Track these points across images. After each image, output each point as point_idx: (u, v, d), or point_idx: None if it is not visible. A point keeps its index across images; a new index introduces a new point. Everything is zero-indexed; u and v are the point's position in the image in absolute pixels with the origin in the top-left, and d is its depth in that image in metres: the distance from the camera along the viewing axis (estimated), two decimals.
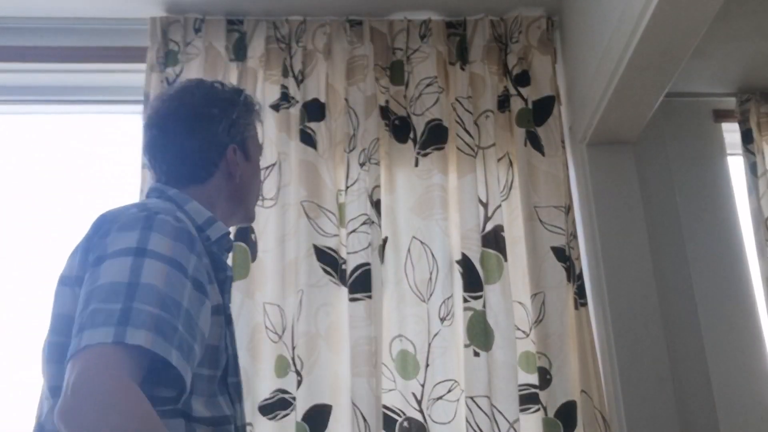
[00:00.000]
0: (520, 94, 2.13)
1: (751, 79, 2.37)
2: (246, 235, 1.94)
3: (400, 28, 2.18)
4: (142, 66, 2.11)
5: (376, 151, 2.02)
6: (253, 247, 1.94)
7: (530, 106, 2.12)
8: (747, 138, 2.37)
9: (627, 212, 2.04)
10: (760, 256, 2.26)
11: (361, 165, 2.01)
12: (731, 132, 2.41)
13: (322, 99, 2.09)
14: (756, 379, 2.11)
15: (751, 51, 2.23)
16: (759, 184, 2.33)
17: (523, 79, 2.15)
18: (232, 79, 2.10)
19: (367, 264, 1.90)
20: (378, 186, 1.99)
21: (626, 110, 1.96)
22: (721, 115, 2.41)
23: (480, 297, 1.91)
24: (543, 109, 2.13)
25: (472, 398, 1.83)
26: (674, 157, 2.29)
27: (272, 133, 2.05)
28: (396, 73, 2.15)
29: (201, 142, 1.18)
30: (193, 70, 2.09)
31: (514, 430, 1.81)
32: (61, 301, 1.01)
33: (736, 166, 2.38)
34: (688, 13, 1.60)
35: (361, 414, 1.77)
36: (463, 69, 2.14)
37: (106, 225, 0.99)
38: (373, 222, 1.95)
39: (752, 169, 2.35)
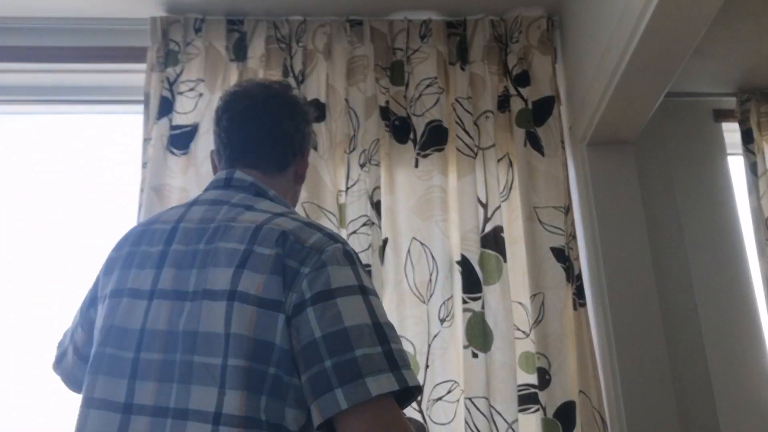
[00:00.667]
0: (520, 95, 2.12)
1: (751, 79, 2.37)
2: None
3: (400, 28, 2.18)
4: (143, 66, 2.11)
5: (376, 152, 2.02)
6: None
7: (530, 106, 2.12)
8: (747, 138, 2.37)
9: (627, 212, 2.04)
10: (760, 255, 2.26)
11: (362, 166, 2.01)
12: (731, 132, 2.41)
13: (323, 99, 2.09)
14: (756, 379, 2.11)
15: (752, 51, 2.23)
16: (759, 183, 2.33)
17: (523, 80, 2.15)
18: (233, 79, 2.10)
19: (368, 265, 1.90)
20: (378, 187, 1.99)
21: (626, 110, 1.96)
22: (722, 115, 2.41)
23: (479, 298, 1.91)
24: (543, 110, 2.13)
25: (470, 399, 1.83)
26: (674, 156, 2.29)
27: None
28: (396, 73, 2.15)
29: (295, 131, 1.21)
30: (193, 70, 2.09)
31: (513, 430, 1.81)
32: (231, 319, 0.93)
33: (736, 165, 2.38)
34: (689, 12, 1.60)
35: None
36: (463, 69, 2.14)
37: (305, 253, 0.97)
38: (373, 223, 1.95)
39: (752, 168, 2.35)
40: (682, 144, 2.32)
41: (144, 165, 2.01)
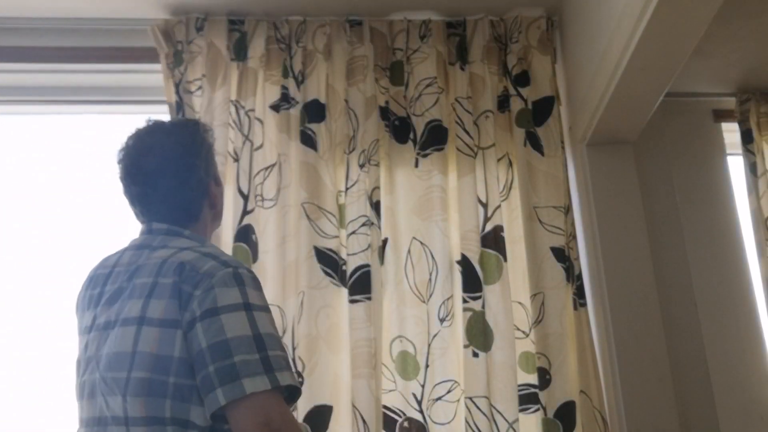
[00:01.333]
0: (519, 95, 2.13)
1: (750, 79, 2.37)
2: (247, 236, 1.94)
3: (399, 29, 2.18)
4: (145, 66, 2.12)
5: (375, 152, 2.02)
6: (253, 248, 1.94)
7: (530, 106, 2.12)
8: (747, 138, 2.37)
9: (627, 212, 2.04)
10: (759, 255, 2.26)
11: (361, 166, 2.01)
12: (731, 132, 2.41)
13: (323, 100, 2.09)
14: (756, 379, 2.11)
15: (751, 51, 2.23)
16: (759, 183, 2.33)
17: (522, 80, 2.15)
18: (233, 78, 2.10)
19: (367, 265, 1.90)
20: (377, 187, 1.99)
21: (626, 110, 1.96)
22: (721, 115, 2.41)
23: (479, 297, 1.91)
24: (543, 110, 2.13)
25: (471, 399, 1.83)
26: (674, 157, 2.29)
27: (272, 134, 2.05)
28: (396, 73, 2.15)
29: (191, 192, 1.33)
30: (197, 69, 2.09)
31: (513, 430, 1.81)
32: (139, 340, 1.13)
33: (735, 165, 2.38)
34: (688, 13, 1.60)
35: (361, 415, 1.77)
36: (462, 69, 2.14)
37: (198, 278, 1.15)
38: (372, 223, 1.95)
39: (752, 168, 2.35)
40: (682, 144, 2.32)
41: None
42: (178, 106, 2.05)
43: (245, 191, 1.97)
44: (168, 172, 1.30)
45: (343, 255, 1.94)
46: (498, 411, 1.83)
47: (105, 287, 1.24)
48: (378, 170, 2.01)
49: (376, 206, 1.97)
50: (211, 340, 1.10)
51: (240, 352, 1.09)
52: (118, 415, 1.13)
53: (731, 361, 2.11)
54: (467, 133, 2.07)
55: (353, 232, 1.94)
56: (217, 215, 1.43)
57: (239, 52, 2.13)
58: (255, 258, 1.94)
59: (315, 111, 2.07)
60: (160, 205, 1.31)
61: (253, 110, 2.06)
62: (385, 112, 2.08)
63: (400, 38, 2.17)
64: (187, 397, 1.11)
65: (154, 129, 1.36)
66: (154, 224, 1.31)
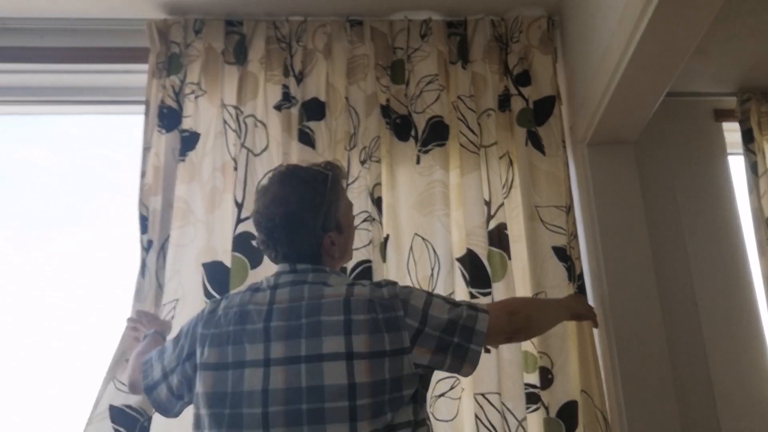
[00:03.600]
0: (521, 94, 2.13)
1: (751, 79, 2.37)
2: (245, 244, 1.93)
3: (400, 28, 2.18)
4: (143, 67, 2.11)
5: (377, 149, 2.02)
6: (248, 255, 1.94)
7: (531, 106, 2.12)
8: (747, 137, 2.37)
9: (628, 212, 2.04)
10: (760, 255, 2.26)
11: (362, 163, 2.01)
12: (732, 131, 2.40)
13: (322, 98, 2.09)
14: (757, 378, 2.11)
15: (752, 50, 2.23)
16: (760, 183, 2.33)
17: (523, 79, 2.15)
18: (233, 82, 2.09)
19: (368, 261, 1.90)
20: (379, 183, 1.99)
21: (627, 110, 1.96)
22: (722, 115, 2.40)
23: (489, 294, 1.91)
24: (544, 109, 2.13)
25: (483, 395, 1.83)
26: (675, 156, 2.29)
27: (277, 134, 2.05)
28: (397, 72, 2.15)
29: (317, 239, 1.45)
30: (195, 72, 2.08)
31: (523, 428, 1.81)
32: (354, 372, 1.28)
33: (736, 165, 2.38)
34: (689, 12, 1.60)
35: None
36: (464, 68, 2.14)
37: (390, 303, 1.36)
38: (374, 219, 1.95)
39: (753, 168, 2.35)
40: (683, 144, 2.32)
41: (143, 174, 1.99)
42: (170, 110, 2.04)
43: (239, 200, 1.96)
44: (296, 222, 1.43)
45: None
46: (508, 409, 1.83)
47: (270, 322, 1.33)
48: (379, 166, 2.01)
49: (377, 202, 1.97)
50: (438, 329, 1.36)
51: (460, 317, 1.39)
52: None
53: (732, 361, 2.11)
54: (471, 130, 2.07)
55: (355, 228, 1.93)
56: (345, 255, 1.55)
57: (239, 55, 2.12)
58: (251, 266, 1.93)
59: (314, 109, 2.07)
60: (299, 251, 1.43)
61: (252, 115, 2.06)
62: (386, 110, 2.08)
63: (401, 37, 2.18)
64: (396, 406, 1.30)
65: (285, 179, 1.47)
66: (298, 265, 1.43)
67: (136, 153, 2.07)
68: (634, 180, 2.08)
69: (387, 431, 1.29)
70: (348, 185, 1.99)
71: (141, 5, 2.13)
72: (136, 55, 2.15)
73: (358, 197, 1.97)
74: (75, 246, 2.23)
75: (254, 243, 1.89)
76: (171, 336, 1.58)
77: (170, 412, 1.47)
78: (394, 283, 1.42)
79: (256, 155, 2.03)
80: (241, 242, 1.93)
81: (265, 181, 1.53)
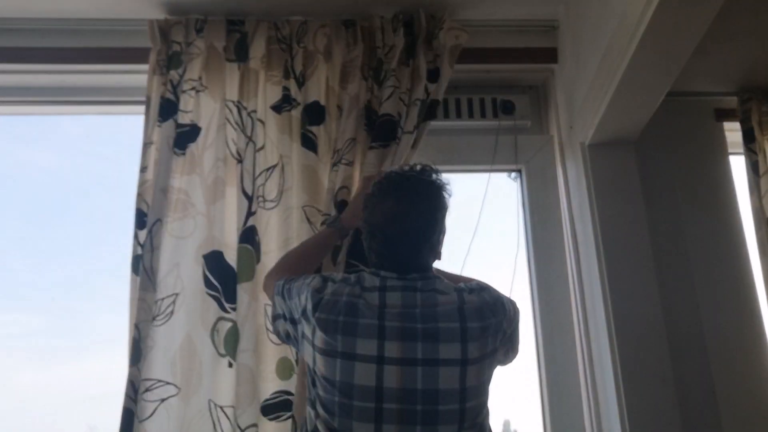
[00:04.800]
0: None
1: (752, 79, 2.36)
2: (251, 237, 1.94)
3: (378, 26, 2.14)
4: (144, 67, 2.10)
5: (349, 151, 1.97)
6: (257, 248, 1.94)
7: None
8: (748, 137, 2.37)
9: (628, 212, 2.04)
10: (761, 255, 2.25)
11: (333, 165, 1.97)
12: (733, 131, 2.40)
13: (323, 101, 2.08)
14: (758, 378, 2.11)
15: (753, 50, 2.23)
16: (760, 183, 2.33)
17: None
18: (234, 78, 2.09)
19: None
20: (344, 187, 1.93)
21: (627, 110, 1.96)
22: (723, 115, 2.40)
23: None
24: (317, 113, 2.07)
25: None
26: (676, 156, 2.29)
27: (274, 135, 2.05)
28: (378, 73, 2.10)
29: (434, 249, 1.51)
30: (195, 70, 2.08)
31: None
32: (465, 378, 1.35)
33: (737, 165, 2.37)
34: (690, 12, 1.60)
35: None
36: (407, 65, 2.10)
37: (492, 310, 1.43)
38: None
39: (754, 168, 2.35)
40: (684, 143, 2.32)
41: (143, 169, 1.99)
42: (167, 102, 2.04)
43: (249, 192, 1.97)
44: (419, 241, 1.46)
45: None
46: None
47: (384, 321, 1.36)
48: (349, 169, 1.95)
49: (339, 206, 1.91)
50: (515, 331, 1.51)
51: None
52: None
53: (733, 361, 2.11)
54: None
55: None
56: None
57: (240, 53, 2.12)
58: (258, 259, 1.93)
59: (315, 113, 2.06)
60: (417, 262, 1.47)
61: (255, 111, 2.06)
62: (368, 112, 2.04)
63: (379, 36, 2.13)
64: (486, 403, 1.42)
65: (405, 192, 1.48)
66: (408, 275, 1.45)
67: (136, 153, 2.07)
68: (634, 180, 2.08)
69: (479, 428, 1.38)
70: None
71: (142, 6, 2.14)
72: (137, 55, 2.15)
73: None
74: (77, 246, 2.23)
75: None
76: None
77: (287, 343, 1.59)
78: (487, 287, 1.49)
79: (257, 150, 2.03)
80: (248, 235, 1.93)
81: (380, 187, 1.50)
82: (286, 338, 1.55)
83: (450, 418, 1.33)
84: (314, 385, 1.42)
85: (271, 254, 1.94)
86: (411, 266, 1.45)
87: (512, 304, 1.51)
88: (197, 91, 2.07)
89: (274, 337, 1.85)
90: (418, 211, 1.45)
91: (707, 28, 1.65)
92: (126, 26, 2.19)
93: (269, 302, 1.88)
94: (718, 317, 2.13)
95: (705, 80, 2.37)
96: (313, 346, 1.39)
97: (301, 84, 2.09)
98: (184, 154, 2.01)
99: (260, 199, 1.99)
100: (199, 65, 2.09)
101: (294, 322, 1.48)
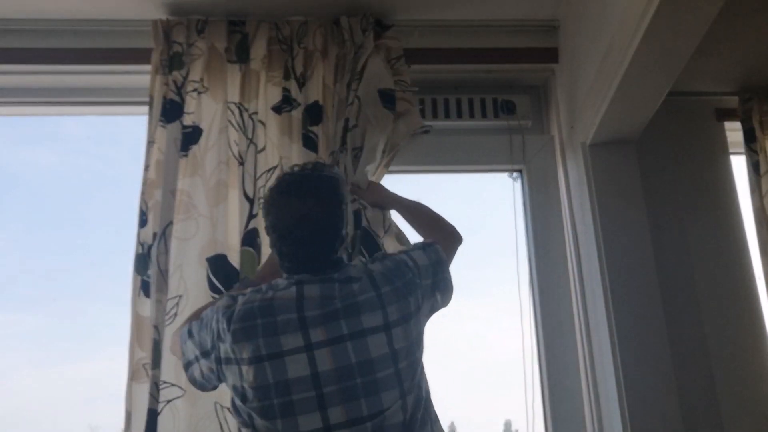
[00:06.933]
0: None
1: (753, 78, 2.36)
2: (253, 240, 1.94)
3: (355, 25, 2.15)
4: (146, 67, 2.10)
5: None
6: (258, 251, 1.94)
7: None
8: (749, 137, 2.36)
9: (629, 212, 2.04)
10: (762, 254, 2.25)
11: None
12: (734, 131, 2.40)
13: (321, 101, 2.08)
14: (759, 378, 2.11)
15: (754, 50, 2.23)
16: (761, 182, 2.33)
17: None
18: (235, 80, 2.09)
19: None
20: None
21: (628, 110, 1.95)
22: (724, 114, 2.40)
23: None
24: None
25: None
26: (676, 156, 2.29)
27: (274, 136, 2.04)
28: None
29: (342, 223, 1.51)
30: (197, 71, 2.08)
31: None
32: (392, 341, 1.37)
33: (738, 165, 2.37)
34: (690, 11, 1.60)
35: None
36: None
37: (402, 270, 1.47)
38: None
39: (755, 167, 2.35)
40: (685, 143, 2.32)
41: (146, 168, 2.00)
42: (172, 103, 2.04)
43: (250, 195, 1.97)
44: (326, 237, 1.47)
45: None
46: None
47: (303, 312, 1.36)
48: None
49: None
50: (428, 276, 1.51)
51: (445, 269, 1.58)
52: (390, 406, 1.33)
53: (734, 360, 2.10)
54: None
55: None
56: None
57: (241, 53, 2.12)
58: (260, 262, 1.93)
59: (316, 113, 2.06)
60: (315, 260, 1.46)
61: (256, 113, 2.06)
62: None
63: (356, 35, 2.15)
64: (420, 361, 1.44)
65: (303, 189, 1.48)
66: (322, 274, 1.44)
67: (139, 154, 2.07)
68: (635, 180, 2.07)
69: (418, 387, 1.40)
70: None
71: (143, 6, 2.14)
72: (138, 55, 2.14)
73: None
74: (78, 246, 2.23)
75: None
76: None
77: (205, 389, 1.51)
78: (389, 254, 1.55)
79: (258, 152, 2.03)
80: (250, 237, 1.93)
81: (277, 191, 1.50)
82: (202, 379, 1.48)
83: (389, 383, 1.34)
84: (245, 402, 1.37)
85: None
86: (327, 264, 1.45)
87: (423, 251, 1.54)
88: (199, 93, 2.07)
89: None
90: (322, 209, 1.45)
91: (708, 27, 1.65)
92: (127, 27, 2.19)
93: None
94: (719, 317, 2.13)
95: (706, 80, 2.37)
96: (237, 361, 1.37)
97: (301, 84, 2.09)
98: (186, 155, 2.01)
99: (261, 201, 1.99)
100: (200, 66, 2.09)
101: (208, 353, 1.43)
